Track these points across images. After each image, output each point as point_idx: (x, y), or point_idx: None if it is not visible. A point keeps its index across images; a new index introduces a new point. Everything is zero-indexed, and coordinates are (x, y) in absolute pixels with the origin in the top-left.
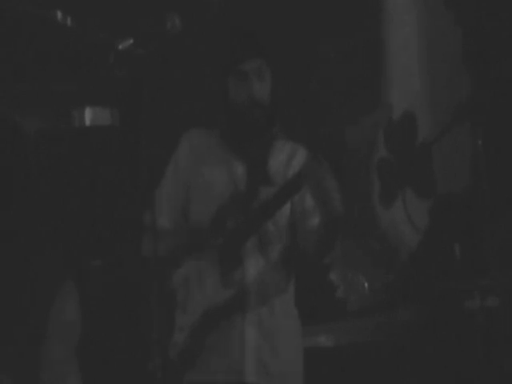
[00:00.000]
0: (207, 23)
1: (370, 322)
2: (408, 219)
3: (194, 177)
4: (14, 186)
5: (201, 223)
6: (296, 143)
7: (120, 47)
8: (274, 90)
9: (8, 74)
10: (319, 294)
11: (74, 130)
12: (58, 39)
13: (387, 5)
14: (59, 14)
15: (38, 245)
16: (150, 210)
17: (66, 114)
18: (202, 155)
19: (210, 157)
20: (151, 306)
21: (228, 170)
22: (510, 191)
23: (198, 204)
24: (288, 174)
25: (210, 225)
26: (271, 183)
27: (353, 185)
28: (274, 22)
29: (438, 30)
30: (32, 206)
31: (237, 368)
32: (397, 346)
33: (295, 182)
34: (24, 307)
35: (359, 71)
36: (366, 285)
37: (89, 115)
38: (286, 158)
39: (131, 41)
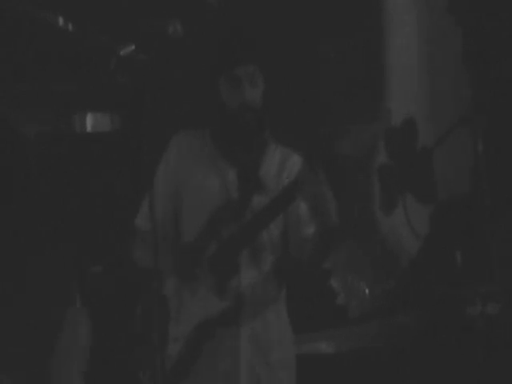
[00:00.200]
0: (208, 28)
1: (370, 329)
2: (408, 225)
3: (185, 182)
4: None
5: (192, 231)
6: (287, 148)
7: (121, 52)
8: (266, 95)
9: (10, 78)
10: (320, 300)
11: (74, 135)
12: (59, 44)
13: (387, 5)
14: (61, 19)
15: (39, 249)
16: (140, 215)
17: (67, 119)
18: (192, 159)
19: (200, 162)
20: (144, 315)
21: (219, 176)
22: (511, 197)
23: (189, 211)
24: (280, 180)
25: (202, 233)
26: (263, 190)
27: (353, 190)
28: (274, 24)
29: (439, 32)
30: (32, 210)
31: (231, 380)
32: (397, 352)
33: (290, 192)
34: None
35: (359, 73)
36: (367, 291)
37: (90, 121)
38: (278, 163)
39: (133, 46)
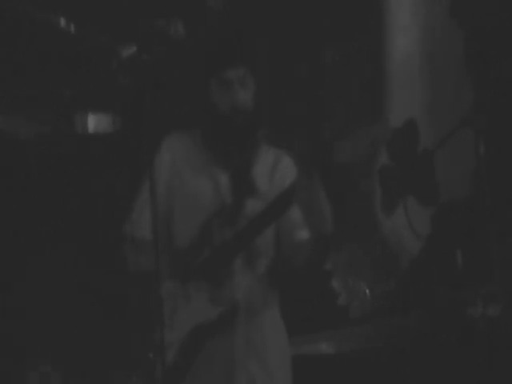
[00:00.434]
0: (209, 30)
1: (371, 329)
2: (409, 226)
3: (177, 186)
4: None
5: (185, 236)
6: (280, 150)
7: (123, 53)
8: (257, 97)
9: (11, 79)
10: (320, 301)
11: (75, 136)
12: (61, 44)
13: (389, 10)
14: (62, 20)
15: (39, 250)
16: (129, 220)
17: (69, 120)
18: (184, 162)
19: (192, 165)
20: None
21: (212, 179)
22: None
23: (182, 215)
24: (273, 182)
25: (195, 238)
26: (256, 194)
27: (354, 191)
28: (277, 27)
29: (440, 35)
30: (32, 210)
31: (227, 383)
32: (398, 352)
33: (286, 198)
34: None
35: (360, 76)
36: (368, 292)
37: (91, 121)
38: (271, 165)
39: (135, 47)
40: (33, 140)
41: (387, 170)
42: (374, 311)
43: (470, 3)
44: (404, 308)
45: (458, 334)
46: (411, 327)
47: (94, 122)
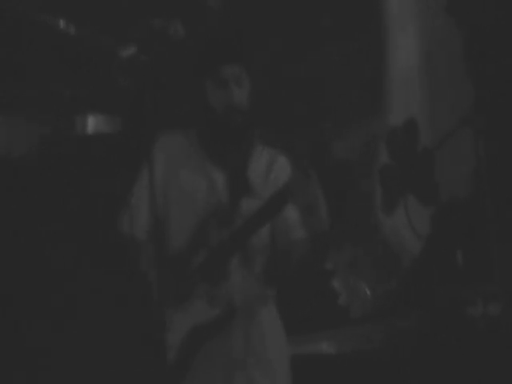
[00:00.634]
0: (208, 28)
1: (372, 329)
2: (410, 226)
3: (172, 185)
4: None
5: (181, 236)
6: (275, 149)
7: (123, 54)
8: (252, 96)
9: (11, 81)
10: (321, 301)
11: (76, 137)
12: (60, 46)
13: (389, 9)
14: (62, 21)
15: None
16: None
17: (69, 121)
18: (179, 162)
19: (187, 164)
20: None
21: (207, 179)
22: None
23: (177, 215)
24: (268, 181)
25: (191, 239)
26: (252, 193)
27: (354, 191)
28: (276, 26)
29: (440, 33)
30: (32, 210)
31: (226, 383)
32: (399, 352)
33: (282, 197)
34: None
35: (360, 77)
36: (368, 292)
37: (91, 123)
38: (266, 164)
39: (134, 48)
40: (35, 141)
41: (387, 170)
42: (374, 311)
43: (467, 1)
44: (405, 308)
45: (458, 333)
46: (412, 327)
47: (94, 123)
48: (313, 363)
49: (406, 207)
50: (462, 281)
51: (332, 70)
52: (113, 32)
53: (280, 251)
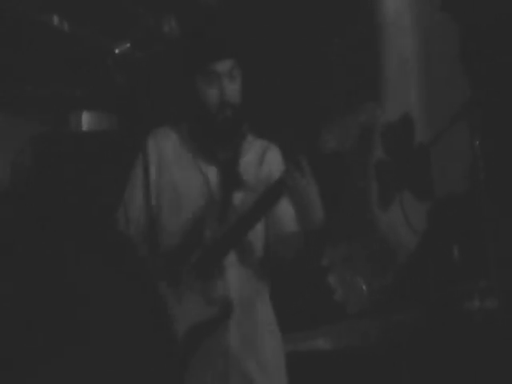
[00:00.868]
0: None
1: (368, 325)
2: (406, 221)
3: (165, 182)
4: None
5: (174, 232)
6: (265, 140)
7: (117, 51)
8: (244, 90)
9: (5, 78)
10: (317, 296)
11: (70, 135)
12: (55, 43)
13: (384, 5)
14: (56, 18)
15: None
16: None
17: (63, 119)
18: (171, 158)
19: (179, 160)
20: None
21: (200, 174)
22: (509, 193)
23: (171, 213)
24: (260, 173)
25: (185, 236)
26: (245, 187)
27: (350, 186)
28: (272, 24)
29: (436, 29)
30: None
31: (223, 381)
32: (395, 347)
33: (275, 190)
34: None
35: (356, 73)
36: (364, 287)
37: (86, 120)
38: (257, 156)
39: (128, 44)
40: (30, 139)
41: (383, 165)
42: (370, 306)
43: None
44: (401, 303)
45: (455, 328)
46: (408, 322)
47: (88, 120)
48: (309, 359)
49: (401, 203)
50: (458, 276)
51: (327, 66)
52: (107, 29)
53: (274, 246)
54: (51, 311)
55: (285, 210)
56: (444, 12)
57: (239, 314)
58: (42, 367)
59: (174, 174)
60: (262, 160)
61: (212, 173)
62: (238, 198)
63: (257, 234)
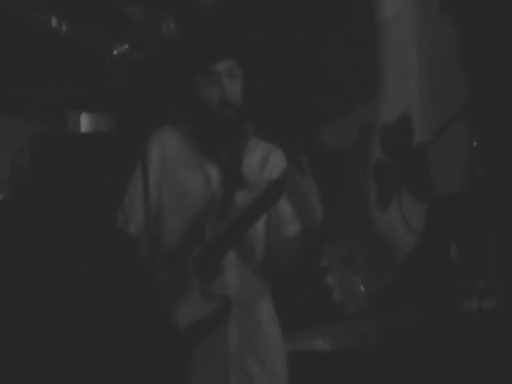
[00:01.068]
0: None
1: (366, 325)
2: (404, 221)
3: (167, 182)
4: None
5: (175, 231)
6: (269, 143)
7: (116, 52)
8: (245, 89)
9: (5, 78)
10: (315, 297)
11: (69, 136)
12: (53, 44)
13: (383, 3)
14: (54, 20)
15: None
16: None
17: (62, 119)
18: (174, 157)
19: (182, 159)
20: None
21: (202, 173)
22: (507, 192)
23: (172, 212)
24: (262, 175)
25: (186, 234)
26: (247, 187)
27: (348, 186)
28: (272, 24)
29: (435, 32)
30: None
31: (223, 379)
32: (394, 348)
33: (275, 190)
34: None
35: (356, 73)
36: (363, 287)
37: (84, 121)
38: (260, 158)
39: (127, 45)
40: (29, 140)
41: (381, 166)
42: (369, 307)
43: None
44: (399, 303)
45: (453, 328)
46: (407, 322)
47: (87, 121)
48: (308, 359)
49: (400, 203)
50: (457, 276)
51: (326, 65)
52: (105, 30)
53: (275, 246)
54: (52, 310)
55: (285, 209)
56: (443, 12)
57: (239, 313)
58: (42, 365)
59: (176, 174)
60: (265, 162)
61: (214, 172)
62: (239, 197)
63: (257, 234)
